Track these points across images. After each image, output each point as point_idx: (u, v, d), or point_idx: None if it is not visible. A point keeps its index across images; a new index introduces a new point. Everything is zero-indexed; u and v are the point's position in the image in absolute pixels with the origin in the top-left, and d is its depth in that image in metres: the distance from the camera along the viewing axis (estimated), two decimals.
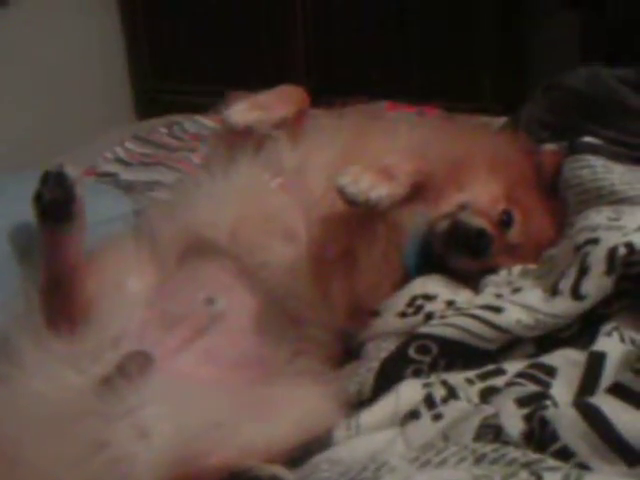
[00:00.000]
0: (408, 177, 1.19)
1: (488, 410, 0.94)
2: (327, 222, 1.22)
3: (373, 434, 1.00)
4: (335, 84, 3.18)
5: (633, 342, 1.01)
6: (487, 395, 1.00)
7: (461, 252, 1.21)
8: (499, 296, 1.13)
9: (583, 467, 0.82)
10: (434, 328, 1.10)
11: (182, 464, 0.99)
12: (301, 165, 1.30)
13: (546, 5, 3.07)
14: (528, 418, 0.90)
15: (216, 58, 3.52)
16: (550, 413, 0.88)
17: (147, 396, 1.05)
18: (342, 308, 1.21)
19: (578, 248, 1.07)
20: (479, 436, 0.90)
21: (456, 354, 1.08)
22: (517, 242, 1.26)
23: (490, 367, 1.05)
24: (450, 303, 1.17)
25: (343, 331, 1.23)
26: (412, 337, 1.11)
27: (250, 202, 1.28)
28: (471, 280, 1.23)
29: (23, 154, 2.56)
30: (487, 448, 0.85)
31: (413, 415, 0.99)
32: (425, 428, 0.96)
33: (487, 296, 1.14)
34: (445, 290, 1.20)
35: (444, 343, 1.08)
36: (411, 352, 1.09)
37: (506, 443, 0.87)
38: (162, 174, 1.92)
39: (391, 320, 1.19)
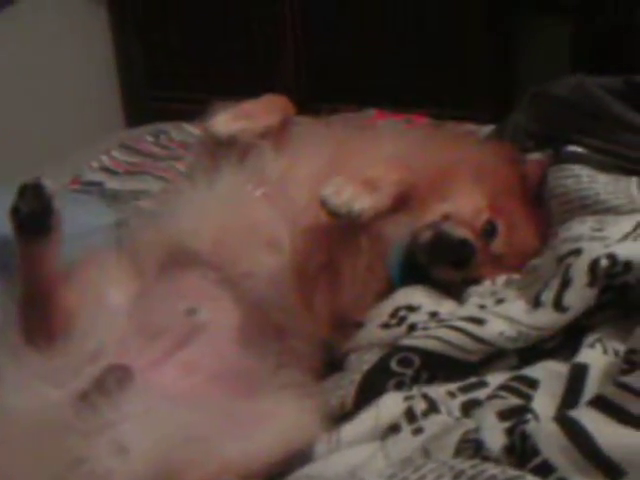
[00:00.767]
0: (392, 188, 1.18)
1: (469, 424, 0.93)
2: (311, 233, 1.21)
3: (353, 448, 0.98)
4: (325, 92, 3.18)
5: (616, 354, 1.00)
6: (469, 408, 0.99)
7: (444, 263, 1.20)
8: (482, 307, 1.12)
9: None
10: (416, 340, 1.09)
11: None
12: (285, 175, 1.30)
13: (536, 12, 3.07)
14: (509, 432, 0.89)
15: (207, 66, 3.51)
16: (531, 427, 0.87)
17: (126, 411, 1.04)
18: (326, 319, 1.20)
19: (561, 259, 1.07)
20: (459, 451, 0.89)
21: (438, 366, 1.06)
22: (501, 252, 1.25)
23: (472, 380, 1.04)
24: (433, 314, 1.16)
25: (327, 342, 1.22)
26: (394, 349, 1.10)
27: (233, 212, 1.27)
28: (455, 291, 1.22)
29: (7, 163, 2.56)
30: (466, 464, 0.83)
31: (393, 429, 0.98)
32: (405, 442, 0.95)
33: (470, 307, 1.13)
34: (429, 301, 1.19)
35: (426, 355, 1.07)
36: (393, 365, 1.08)
37: (486, 459, 0.86)
38: (148, 183, 1.91)
39: (374, 331, 1.18)
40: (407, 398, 1.03)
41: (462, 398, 1.01)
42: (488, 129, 1.79)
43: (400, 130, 1.71)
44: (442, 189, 1.26)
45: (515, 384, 0.99)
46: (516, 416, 0.92)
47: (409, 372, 1.07)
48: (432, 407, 1.00)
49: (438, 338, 1.07)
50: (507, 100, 2.58)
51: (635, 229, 1.08)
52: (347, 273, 1.20)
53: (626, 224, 1.11)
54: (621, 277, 1.01)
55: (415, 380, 1.07)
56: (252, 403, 1.12)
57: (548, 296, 1.04)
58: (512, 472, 0.82)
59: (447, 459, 0.87)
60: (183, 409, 1.06)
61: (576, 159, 1.30)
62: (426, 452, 0.92)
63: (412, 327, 1.15)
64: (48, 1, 3.25)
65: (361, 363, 1.14)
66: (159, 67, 3.63)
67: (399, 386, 1.07)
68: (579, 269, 1.02)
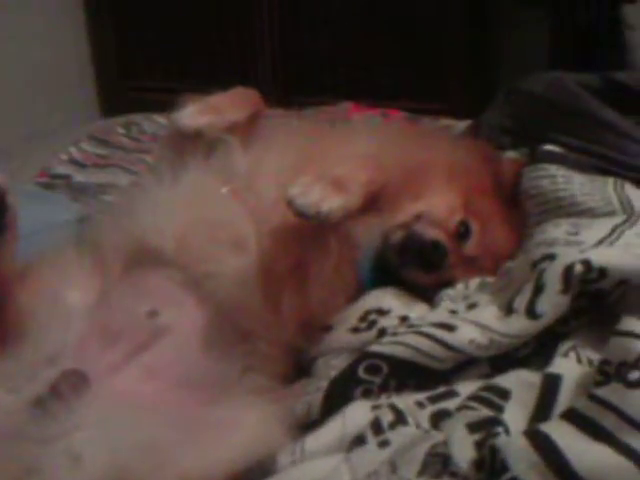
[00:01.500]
0: (362, 188, 1.14)
1: (437, 437, 0.89)
2: (279, 232, 1.17)
3: (318, 460, 0.94)
4: (302, 85, 3.14)
5: (590, 363, 0.96)
6: (438, 419, 0.95)
7: (415, 264, 1.17)
8: (454, 312, 1.08)
9: None
10: (384, 347, 1.05)
11: None
12: (253, 171, 1.25)
13: (515, 5, 3.04)
14: (479, 445, 0.86)
15: (183, 56, 3.47)
16: (500, 441, 0.83)
17: (81, 418, 0.99)
18: (293, 322, 1.16)
19: (534, 264, 1.03)
20: (427, 465, 0.85)
21: (407, 374, 1.02)
22: (475, 254, 1.22)
23: (442, 389, 1.00)
24: (404, 319, 1.12)
25: (294, 346, 1.18)
26: (362, 356, 1.06)
27: (198, 209, 1.22)
28: (427, 293, 1.18)
29: None
30: None
31: (359, 440, 0.94)
32: (371, 455, 0.91)
33: (441, 312, 1.10)
34: (399, 304, 1.15)
35: (394, 362, 1.03)
36: (361, 372, 1.04)
37: (454, 475, 0.82)
38: (116, 176, 1.86)
39: (343, 335, 1.14)
40: (374, 407, 0.99)
41: (431, 408, 0.97)
42: (465, 124, 1.76)
43: (373, 126, 1.67)
44: (415, 188, 1.23)
45: (486, 394, 0.95)
46: (486, 428, 0.88)
47: (377, 380, 1.03)
48: (399, 418, 0.95)
49: (406, 344, 1.03)
50: (485, 94, 2.55)
51: (611, 234, 1.05)
52: (315, 274, 1.16)
53: (602, 228, 1.07)
54: (596, 283, 0.98)
55: (383, 388, 1.03)
56: (215, 410, 1.08)
57: (521, 302, 1.00)
58: None
59: (412, 477, 0.83)
60: (141, 417, 1.01)
61: (552, 159, 1.27)
62: (393, 466, 0.88)
63: (382, 331, 1.11)
64: None
65: (328, 369, 1.10)
66: (134, 57, 3.57)
67: (367, 394, 1.03)
68: (553, 275, 0.99)
